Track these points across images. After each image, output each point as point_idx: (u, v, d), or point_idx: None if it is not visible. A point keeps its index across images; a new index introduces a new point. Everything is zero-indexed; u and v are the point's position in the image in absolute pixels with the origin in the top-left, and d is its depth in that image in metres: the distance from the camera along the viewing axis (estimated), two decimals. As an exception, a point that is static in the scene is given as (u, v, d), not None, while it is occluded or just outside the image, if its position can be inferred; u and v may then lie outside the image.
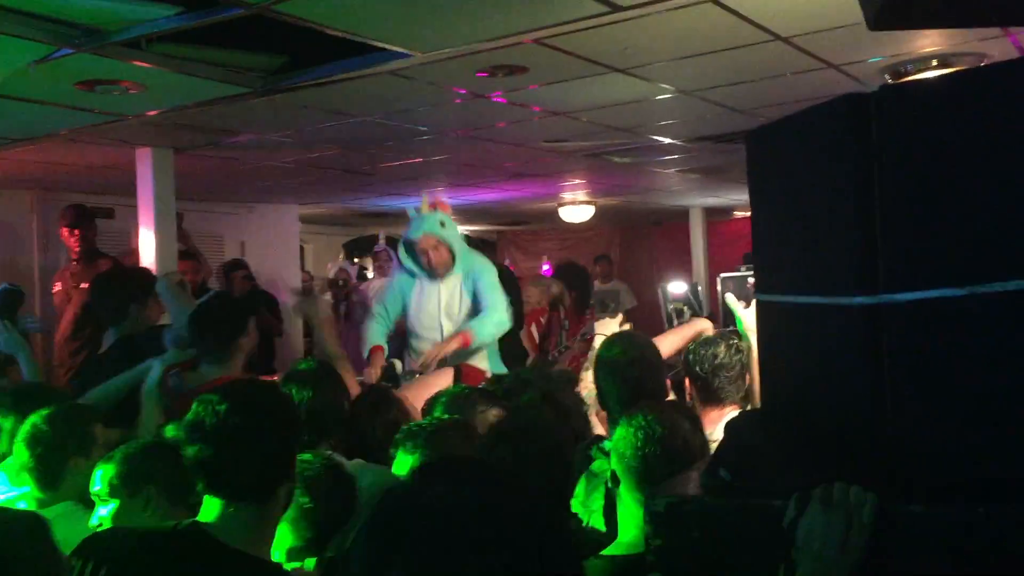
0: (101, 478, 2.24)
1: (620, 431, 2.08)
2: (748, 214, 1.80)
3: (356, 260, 9.96)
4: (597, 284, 10.90)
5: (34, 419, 2.57)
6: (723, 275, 8.98)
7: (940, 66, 4.02)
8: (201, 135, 5.07)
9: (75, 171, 6.09)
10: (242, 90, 3.93)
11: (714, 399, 2.90)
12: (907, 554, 1.36)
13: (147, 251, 5.48)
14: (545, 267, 12.06)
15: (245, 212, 8.25)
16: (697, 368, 2.93)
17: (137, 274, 4.42)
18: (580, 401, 3.16)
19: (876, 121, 1.41)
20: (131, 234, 6.11)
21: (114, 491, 2.23)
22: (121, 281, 4.12)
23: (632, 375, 2.73)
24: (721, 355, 2.90)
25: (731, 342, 2.97)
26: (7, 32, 3.02)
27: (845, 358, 1.48)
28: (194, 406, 1.95)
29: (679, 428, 2.08)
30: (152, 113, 4.36)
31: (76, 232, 5.61)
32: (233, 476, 1.90)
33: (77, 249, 5.66)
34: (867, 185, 1.42)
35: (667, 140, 5.87)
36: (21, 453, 2.55)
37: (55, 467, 2.53)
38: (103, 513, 2.23)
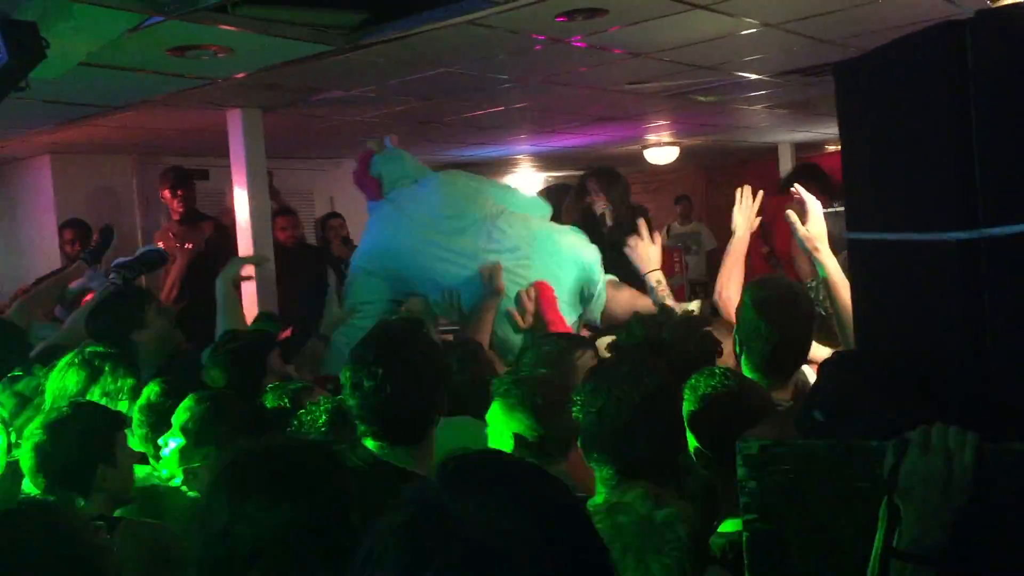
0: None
1: None
2: (839, 148, 1.76)
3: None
4: (676, 226, 10.76)
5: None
6: (815, 212, 8.80)
7: (1045, -17, 3.81)
8: (287, 94, 5.16)
9: (170, 135, 6.29)
10: (325, 48, 3.98)
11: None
12: (1012, 493, 1.34)
13: (241, 210, 5.64)
14: None
15: (332, 167, 8.39)
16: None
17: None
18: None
19: (972, 49, 1.37)
20: (225, 194, 6.30)
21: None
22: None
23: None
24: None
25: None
26: (100, 3, 3.12)
27: (943, 295, 1.45)
28: (351, 363, 2.21)
29: None
30: (240, 75, 4.45)
31: (179, 193, 5.83)
32: (392, 424, 2.18)
33: (180, 210, 5.87)
34: (963, 117, 1.38)
35: (753, 76, 5.72)
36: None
37: None
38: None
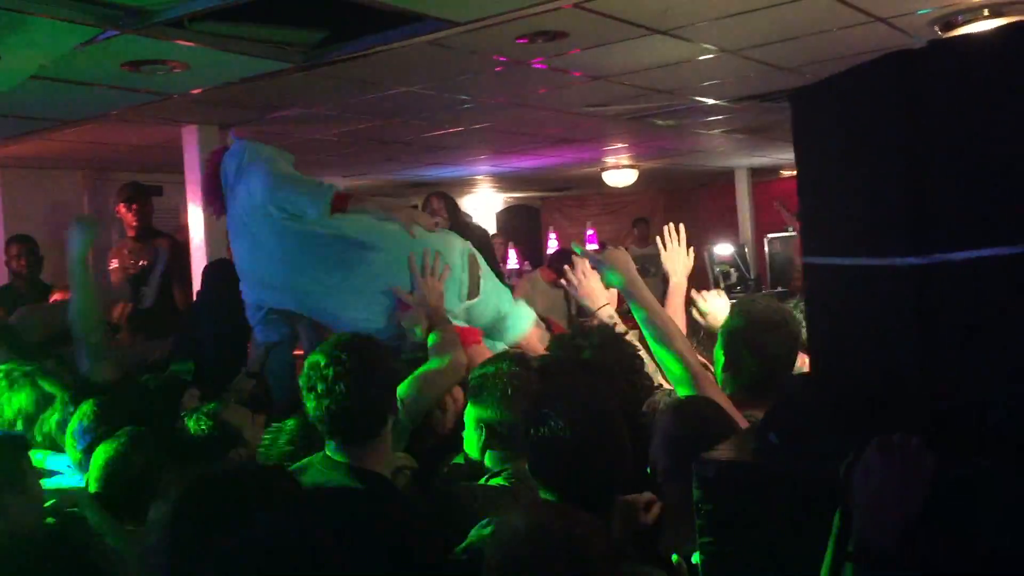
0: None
1: None
2: (795, 173, 1.78)
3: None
4: (634, 248, 10.84)
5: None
6: (770, 235, 8.90)
7: (992, 16, 3.91)
8: (245, 111, 5.12)
9: (123, 150, 6.20)
10: (284, 65, 3.96)
11: None
12: (966, 511, 1.35)
13: (196, 227, 5.57)
14: (589, 232, 12.04)
15: (290, 186, 8.33)
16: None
17: None
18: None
19: (924, 78, 1.39)
20: (180, 211, 6.21)
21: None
22: None
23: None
24: None
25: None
26: (53, 16, 3.07)
27: (897, 320, 1.46)
28: (305, 370, 2.34)
29: None
30: (197, 91, 4.41)
31: (133, 207, 5.67)
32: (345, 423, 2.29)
33: (135, 225, 5.74)
34: (916, 144, 1.39)
35: (711, 101, 5.80)
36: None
37: None
38: None
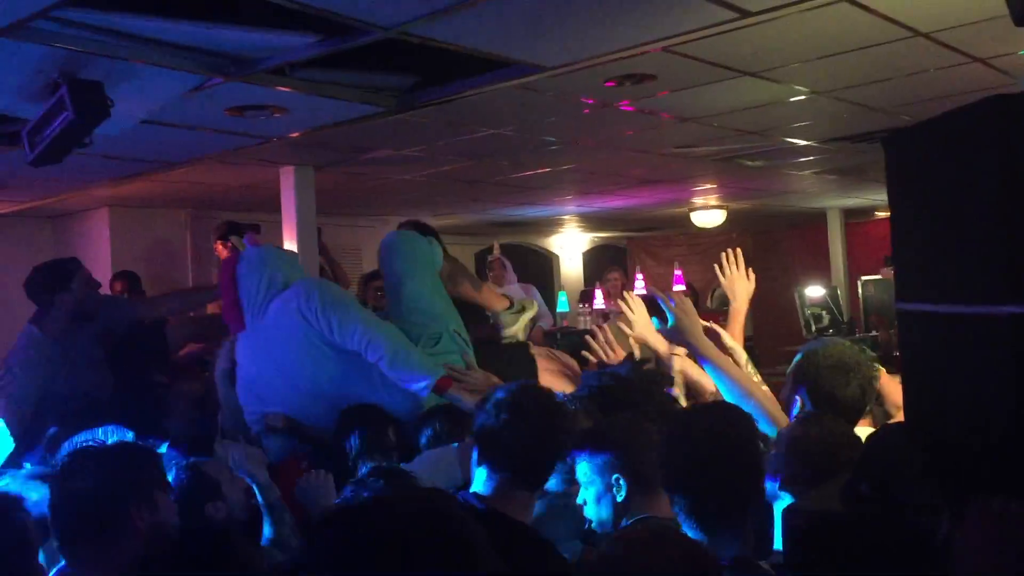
0: None
1: None
2: (889, 215, 1.75)
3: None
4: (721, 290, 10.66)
5: None
6: (864, 278, 8.67)
7: (1098, 55, 3.79)
8: (339, 153, 5.28)
9: (224, 190, 6.45)
10: (378, 109, 4.08)
11: None
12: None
13: (290, 265, 5.72)
14: (677, 273, 11.93)
15: (380, 225, 8.52)
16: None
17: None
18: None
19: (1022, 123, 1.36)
20: (275, 248, 6.40)
21: None
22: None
23: None
24: None
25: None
26: (164, 64, 3.24)
27: (994, 370, 1.42)
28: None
29: None
30: (295, 135, 4.57)
31: (229, 244, 5.91)
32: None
33: None
34: (1014, 189, 1.36)
35: (801, 142, 5.72)
36: None
37: None
38: None
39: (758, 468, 2.09)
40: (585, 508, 2.36)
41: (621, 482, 2.29)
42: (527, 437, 2.20)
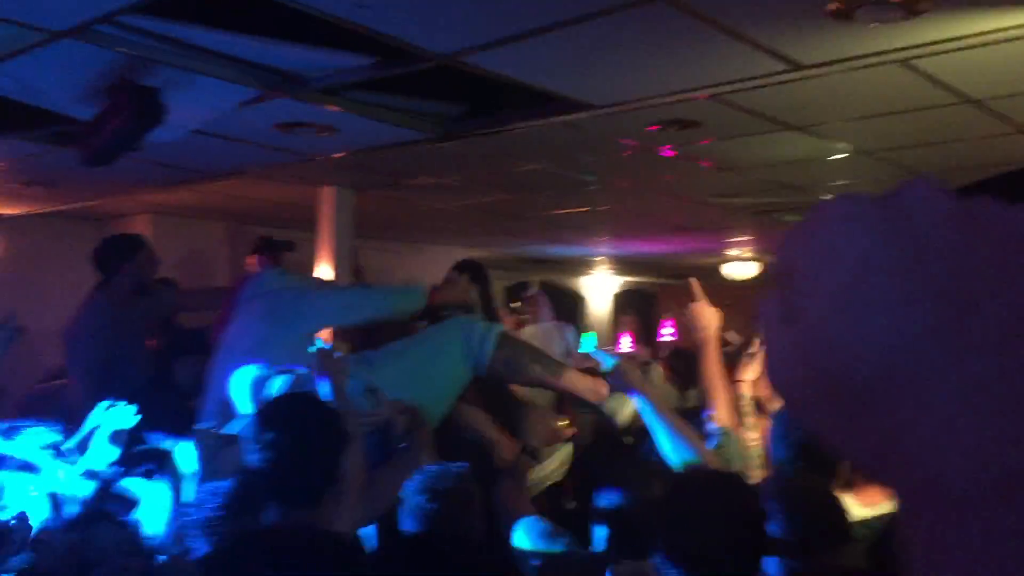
0: None
1: None
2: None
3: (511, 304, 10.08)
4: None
5: None
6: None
7: None
8: (380, 176, 5.33)
9: (263, 205, 6.52)
10: (424, 135, 4.12)
11: None
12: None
13: (323, 284, 5.76)
14: (668, 320, 11.87)
15: (414, 253, 8.56)
16: None
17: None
18: None
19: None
20: (307, 267, 6.45)
21: None
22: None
23: None
24: None
25: None
26: (220, 76, 3.31)
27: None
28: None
29: None
30: (339, 155, 4.63)
31: (263, 260, 5.96)
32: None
33: None
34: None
35: (840, 200, 5.70)
36: None
37: None
38: None
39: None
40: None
41: None
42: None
